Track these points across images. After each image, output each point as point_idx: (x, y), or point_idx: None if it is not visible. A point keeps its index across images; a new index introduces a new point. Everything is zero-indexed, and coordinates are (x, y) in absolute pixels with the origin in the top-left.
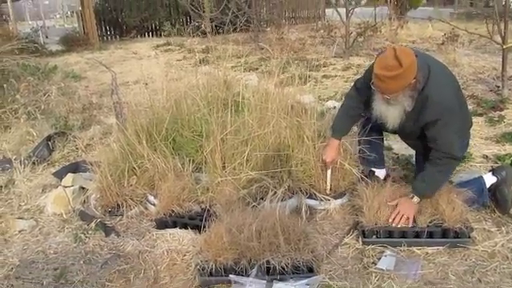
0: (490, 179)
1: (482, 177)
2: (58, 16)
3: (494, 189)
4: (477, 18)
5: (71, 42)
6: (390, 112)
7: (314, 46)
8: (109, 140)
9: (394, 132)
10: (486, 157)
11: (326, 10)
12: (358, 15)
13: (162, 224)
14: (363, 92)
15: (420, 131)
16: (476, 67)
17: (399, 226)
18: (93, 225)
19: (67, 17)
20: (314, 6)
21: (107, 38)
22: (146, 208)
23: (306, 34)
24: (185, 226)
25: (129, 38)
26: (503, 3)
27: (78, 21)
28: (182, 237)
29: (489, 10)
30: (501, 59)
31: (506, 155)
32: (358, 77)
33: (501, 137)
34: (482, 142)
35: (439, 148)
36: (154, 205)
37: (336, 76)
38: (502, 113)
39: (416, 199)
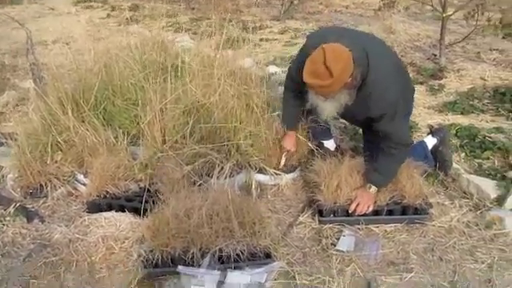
0: (430, 141)
1: (423, 141)
2: None
3: (434, 151)
4: None
5: None
6: (326, 105)
7: (249, 7)
8: (26, 108)
9: None
10: (431, 126)
11: None
12: None
13: (94, 207)
14: (297, 82)
15: (364, 120)
16: (411, 34)
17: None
18: (11, 209)
19: None
20: None
21: None
22: (75, 188)
23: None
24: (122, 209)
25: None
26: None
27: None
28: (118, 221)
29: None
30: (433, 27)
31: (451, 125)
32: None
33: (443, 106)
34: (425, 112)
35: (389, 138)
36: (84, 185)
37: (274, 39)
38: (442, 81)
39: (374, 189)
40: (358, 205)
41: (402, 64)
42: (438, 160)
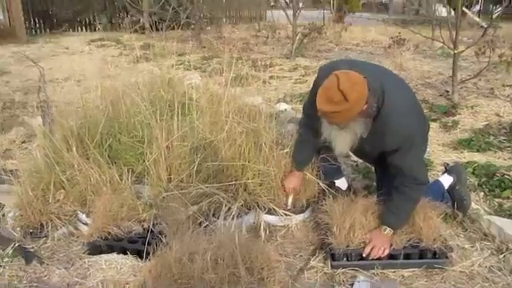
0: (446, 180)
1: (439, 180)
2: None
3: (451, 190)
4: (411, 25)
5: None
6: (341, 137)
7: (258, 46)
8: (32, 145)
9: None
10: (447, 165)
11: (267, 12)
12: (299, 17)
13: (95, 248)
14: (312, 117)
15: (377, 156)
16: (422, 71)
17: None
18: (9, 250)
19: None
20: (256, 7)
21: (36, 31)
22: (77, 228)
23: (247, 33)
24: (124, 251)
25: (60, 31)
26: (450, 12)
27: (4, 11)
28: (120, 264)
29: (419, 17)
30: (444, 64)
31: (467, 163)
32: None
33: (457, 143)
34: (440, 149)
35: (404, 174)
36: (86, 224)
37: (284, 77)
38: (455, 118)
39: (389, 231)
40: (372, 248)
41: (417, 99)
42: (455, 200)
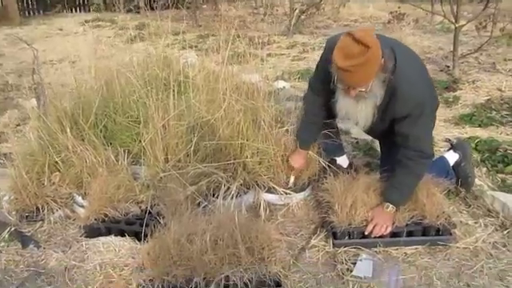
0: (452, 157)
1: (444, 156)
2: None
3: (456, 167)
4: (410, 0)
5: None
6: (361, 109)
7: (255, 23)
8: (26, 128)
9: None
10: (448, 140)
11: None
12: None
13: (93, 231)
14: (321, 93)
15: (387, 126)
16: (422, 47)
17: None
18: (5, 234)
19: None
20: None
21: (29, 12)
22: (73, 211)
23: (245, 11)
24: (121, 233)
25: (53, 12)
26: None
27: None
28: (118, 246)
29: None
30: (444, 39)
31: (470, 138)
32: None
33: (459, 119)
34: (441, 125)
35: (409, 145)
36: (82, 207)
37: (282, 54)
38: (456, 93)
39: (391, 208)
40: (375, 226)
41: (427, 71)
42: (460, 177)
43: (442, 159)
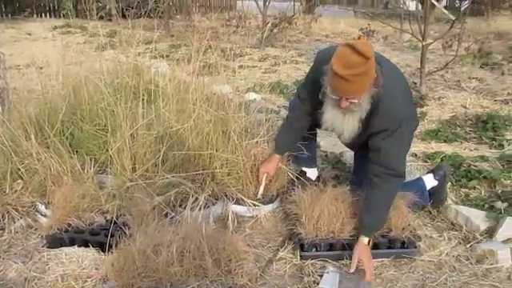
0: (430, 182)
1: (421, 178)
2: None
3: (432, 192)
4: (379, 18)
5: None
6: (347, 122)
7: (228, 35)
8: None
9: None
10: (415, 155)
11: (237, 2)
12: (270, 8)
13: (55, 241)
14: (307, 102)
15: (363, 140)
16: None
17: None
18: None
19: None
20: None
21: None
22: (35, 220)
23: (217, 23)
24: (85, 244)
25: (22, 17)
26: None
27: None
28: (81, 257)
29: (388, 11)
30: (411, 57)
31: (435, 153)
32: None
33: (425, 134)
34: None
35: (380, 161)
36: (45, 216)
37: (254, 67)
38: (423, 109)
39: (365, 239)
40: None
41: (410, 90)
42: (433, 200)
43: (419, 181)
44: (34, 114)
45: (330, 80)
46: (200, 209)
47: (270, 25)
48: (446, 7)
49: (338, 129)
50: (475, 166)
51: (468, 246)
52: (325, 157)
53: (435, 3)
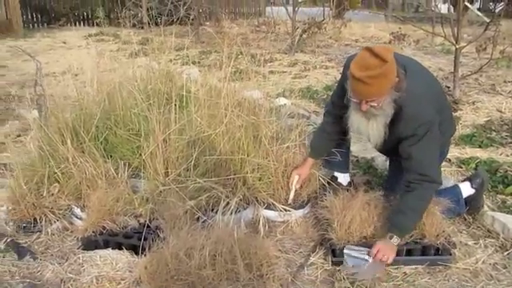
0: (467, 190)
1: (457, 185)
2: None
3: (469, 201)
4: (411, 22)
5: None
6: (372, 127)
7: (257, 41)
8: (27, 139)
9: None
10: (449, 160)
11: (266, 8)
12: (299, 14)
13: (90, 244)
14: (337, 107)
15: (393, 145)
16: None
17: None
18: (2, 245)
19: None
20: (255, 3)
21: (33, 25)
22: (71, 223)
23: (247, 29)
24: (119, 246)
25: (57, 26)
26: (456, 8)
27: (1, 5)
28: (115, 260)
29: (419, 14)
30: (444, 61)
31: (470, 159)
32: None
33: (459, 139)
34: None
35: (413, 168)
36: (80, 219)
37: (283, 72)
38: (457, 114)
39: (396, 240)
40: (378, 250)
41: (442, 91)
42: (470, 208)
43: (455, 188)
44: (69, 120)
45: (350, 83)
46: (231, 213)
47: (299, 30)
48: (479, 9)
49: (365, 134)
50: None
51: (505, 253)
52: (356, 162)
53: (468, 5)
